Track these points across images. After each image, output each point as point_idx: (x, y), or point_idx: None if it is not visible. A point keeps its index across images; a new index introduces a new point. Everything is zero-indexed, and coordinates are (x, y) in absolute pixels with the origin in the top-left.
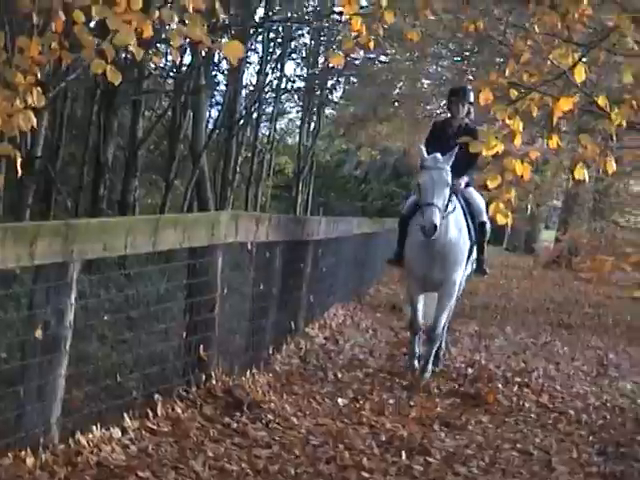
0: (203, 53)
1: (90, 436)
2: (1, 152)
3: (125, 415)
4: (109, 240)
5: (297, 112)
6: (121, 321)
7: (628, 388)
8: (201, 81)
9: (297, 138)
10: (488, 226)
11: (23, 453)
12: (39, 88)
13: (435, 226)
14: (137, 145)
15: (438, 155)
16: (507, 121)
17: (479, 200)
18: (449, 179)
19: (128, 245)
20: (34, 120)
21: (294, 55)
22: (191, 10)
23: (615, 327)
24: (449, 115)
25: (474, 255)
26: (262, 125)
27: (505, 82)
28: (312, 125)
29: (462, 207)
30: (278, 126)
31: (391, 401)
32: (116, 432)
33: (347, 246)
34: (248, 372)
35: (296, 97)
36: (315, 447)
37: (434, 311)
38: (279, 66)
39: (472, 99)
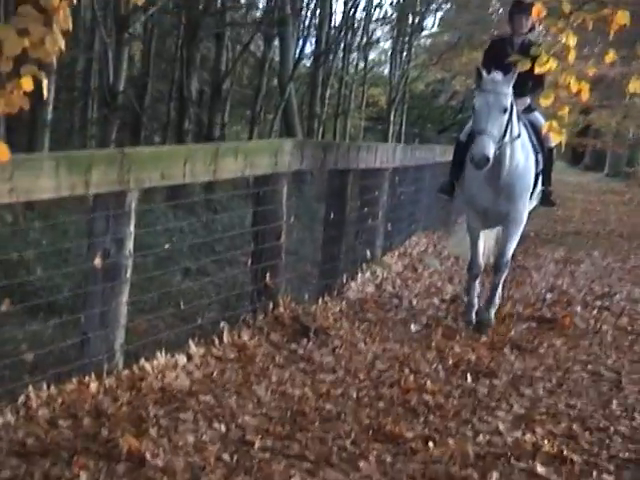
0: None
1: (155, 362)
2: (26, 72)
3: (190, 342)
4: (167, 168)
5: (388, 41)
6: (184, 250)
7: None
8: (287, 11)
9: (388, 68)
10: (555, 152)
11: (87, 379)
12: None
13: (487, 158)
14: (221, 78)
15: (498, 75)
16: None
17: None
18: (508, 103)
19: (187, 173)
20: (62, 44)
21: None
22: None
23: None
24: (510, 32)
25: (539, 186)
26: (352, 56)
27: None
28: (404, 54)
29: (527, 132)
30: (370, 57)
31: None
32: (181, 358)
33: (430, 174)
34: (320, 300)
35: (387, 27)
36: (380, 372)
37: (501, 242)
38: None
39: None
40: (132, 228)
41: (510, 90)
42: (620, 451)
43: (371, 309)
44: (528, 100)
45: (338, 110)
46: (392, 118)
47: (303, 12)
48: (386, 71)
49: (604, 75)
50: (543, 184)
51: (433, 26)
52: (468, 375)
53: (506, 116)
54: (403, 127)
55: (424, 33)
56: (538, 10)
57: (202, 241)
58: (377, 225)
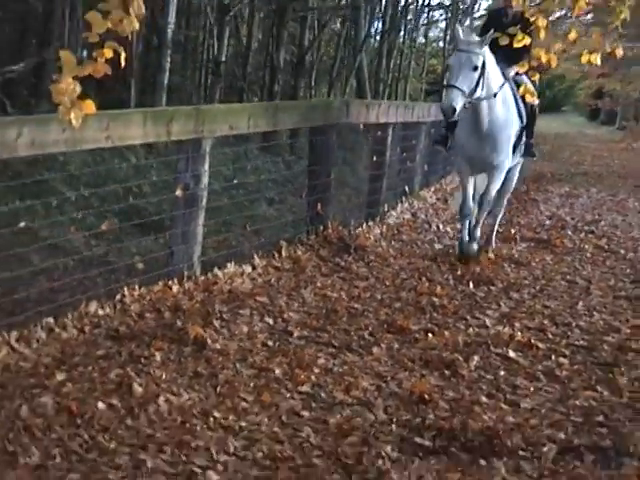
0: None
1: (225, 270)
2: (108, 46)
3: (255, 255)
4: (234, 121)
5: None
6: (253, 184)
7: None
8: (360, 1)
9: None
10: (537, 111)
11: (170, 282)
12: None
13: (454, 109)
14: (305, 51)
15: (473, 37)
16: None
17: (530, 84)
18: (479, 62)
19: (251, 125)
20: (136, 25)
21: None
22: None
23: None
24: (505, 3)
25: (524, 138)
26: (413, 32)
27: None
28: None
29: (512, 89)
30: (431, 34)
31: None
32: (247, 268)
33: None
34: (364, 224)
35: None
36: (403, 279)
37: (486, 184)
38: None
39: None
40: (207, 167)
41: (482, 50)
42: (577, 340)
43: (405, 232)
44: (516, 68)
45: (399, 76)
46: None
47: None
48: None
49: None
50: (527, 137)
51: (479, 10)
52: (471, 283)
53: (477, 73)
54: None
55: (475, 16)
56: None
57: (274, 178)
58: (415, 166)
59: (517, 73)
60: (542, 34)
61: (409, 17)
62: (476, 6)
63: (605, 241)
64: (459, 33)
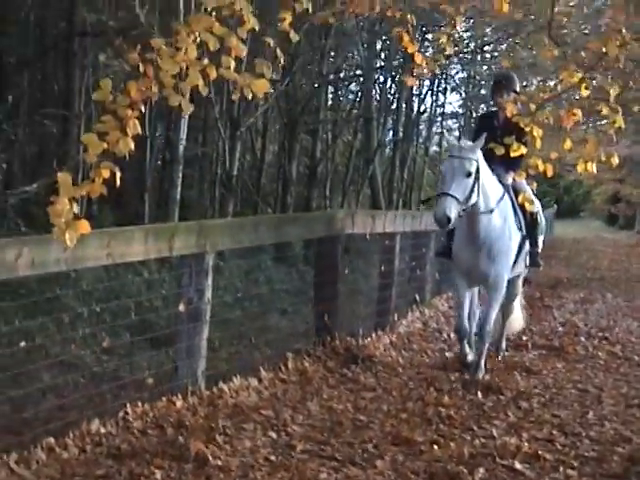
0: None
1: (231, 384)
2: (104, 168)
3: (261, 368)
4: (237, 235)
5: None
6: (253, 297)
7: None
8: (372, 112)
9: None
10: (541, 218)
11: (174, 397)
12: (137, 120)
13: (448, 218)
14: (317, 163)
15: (466, 142)
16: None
17: (529, 192)
18: (472, 168)
19: (254, 238)
20: (132, 145)
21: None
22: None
23: None
24: (496, 107)
25: (527, 248)
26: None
27: (524, 98)
28: None
29: (511, 199)
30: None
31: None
32: (253, 381)
33: None
34: (374, 334)
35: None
36: (411, 390)
37: (483, 309)
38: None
39: (517, 87)
40: (210, 281)
41: (476, 156)
42: (586, 451)
43: (416, 341)
44: (513, 174)
45: (413, 185)
46: None
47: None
48: None
49: (631, 154)
50: (530, 246)
51: None
52: (479, 392)
53: (471, 179)
54: None
55: None
56: (510, 110)
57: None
58: (425, 274)
59: (514, 180)
60: (538, 144)
61: (422, 126)
62: None
63: (619, 347)
64: (451, 138)
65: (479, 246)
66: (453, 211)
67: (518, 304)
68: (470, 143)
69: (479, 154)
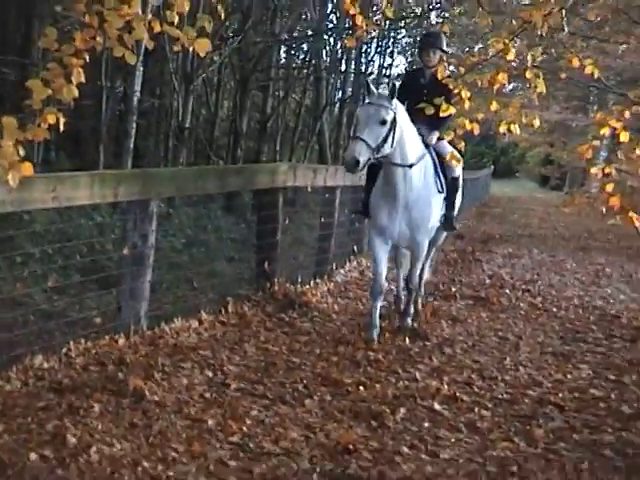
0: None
1: (172, 325)
2: (49, 114)
3: (202, 311)
4: (182, 184)
5: None
6: (201, 243)
7: (608, 292)
8: (321, 72)
9: None
10: (460, 182)
11: (117, 336)
12: (81, 69)
13: (357, 161)
14: (267, 118)
15: (382, 91)
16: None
17: (455, 152)
18: (387, 117)
19: (198, 187)
20: (75, 92)
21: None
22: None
23: (619, 248)
24: (422, 64)
25: (442, 210)
26: None
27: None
28: None
29: (433, 159)
30: None
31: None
32: (194, 323)
33: None
34: (312, 281)
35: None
36: (343, 334)
37: (408, 267)
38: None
39: (445, 45)
40: (154, 227)
41: (393, 106)
42: (501, 394)
43: (352, 289)
44: (437, 133)
45: None
46: None
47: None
48: None
49: (561, 120)
50: (447, 209)
51: None
52: (407, 338)
53: (385, 128)
54: None
55: None
56: (441, 71)
57: (234, 237)
58: (363, 227)
59: (439, 139)
60: (467, 104)
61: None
62: None
63: (540, 299)
64: (370, 86)
65: (397, 205)
66: (362, 155)
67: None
68: (386, 92)
69: (398, 105)
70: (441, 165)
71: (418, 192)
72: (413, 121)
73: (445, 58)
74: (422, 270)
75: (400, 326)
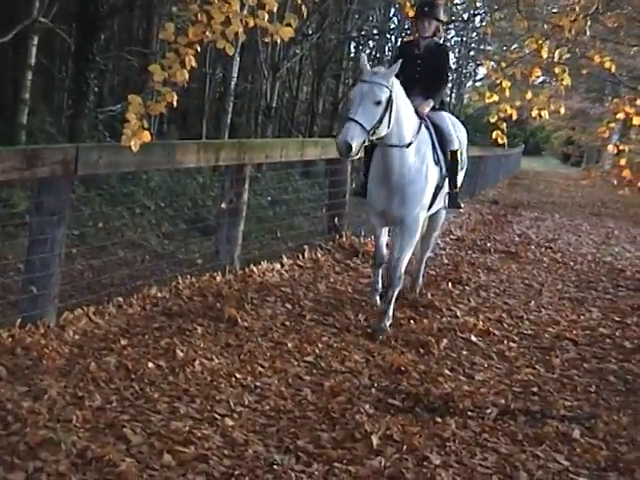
0: None
1: (259, 267)
2: (167, 93)
3: (284, 256)
4: (270, 152)
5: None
6: (283, 202)
7: (616, 250)
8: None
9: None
10: (463, 155)
11: (215, 274)
12: (193, 57)
13: (349, 145)
14: (338, 101)
15: (380, 68)
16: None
17: (450, 126)
18: (383, 97)
19: (282, 155)
20: (186, 76)
21: None
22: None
23: (626, 215)
24: (417, 35)
25: (446, 188)
26: None
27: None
28: (460, 91)
29: (430, 134)
30: None
31: (461, 253)
32: (277, 266)
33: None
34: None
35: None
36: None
37: (395, 251)
38: None
39: (442, 16)
40: (247, 187)
41: (389, 84)
42: (526, 330)
43: None
44: (432, 102)
45: None
46: None
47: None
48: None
49: (582, 108)
50: (450, 187)
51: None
52: (450, 283)
53: (380, 108)
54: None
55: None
56: (487, 66)
57: (309, 197)
58: None
59: (435, 108)
60: (507, 93)
61: None
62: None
63: (560, 255)
64: (364, 61)
65: (392, 187)
66: (356, 138)
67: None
68: (384, 69)
69: (394, 82)
70: (439, 138)
71: (413, 168)
72: (408, 93)
73: (441, 28)
74: (421, 261)
75: (375, 329)
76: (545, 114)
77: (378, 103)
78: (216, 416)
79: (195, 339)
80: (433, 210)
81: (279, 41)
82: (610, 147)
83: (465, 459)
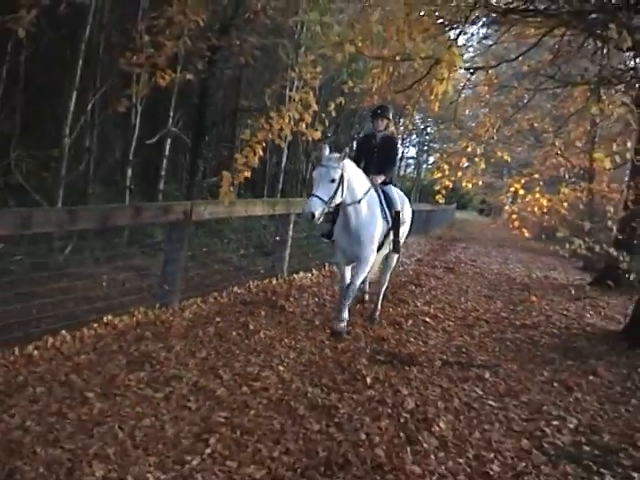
0: None
1: (298, 275)
2: (245, 171)
3: (313, 269)
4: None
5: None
6: (313, 236)
7: (511, 267)
8: None
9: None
10: (404, 215)
11: (272, 279)
12: (261, 150)
13: (313, 214)
14: None
15: (333, 154)
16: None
17: (396, 194)
18: (336, 176)
19: None
20: (256, 161)
21: None
22: None
23: (517, 246)
24: (373, 129)
25: (391, 237)
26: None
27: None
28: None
29: (379, 196)
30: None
31: (420, 268)
32: (309, 274)
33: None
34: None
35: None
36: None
37: (352, 276)
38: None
39: (390, 115)
40: (291, 227)
41: (340, 165)
42: (458, 314)
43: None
44: (383, 176)
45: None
46: (412, 195)
47: None
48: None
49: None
50: (394, 235)
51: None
52: (413, 286)
53: (335, 184)
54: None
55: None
56: (434, 156)
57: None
58: None
59: (384, 182)
60: (446, 172)
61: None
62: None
63: (478, 269)
64: (325, 150)
65: (350, 232)
66: (317, 209)
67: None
68: (336, 155)
69: (345, 163)
70: (387, 201)
71: (365, 219)
72: (366, 168)
73: (390, 124)
74: (382, 283)
75: (332, 327)
76: (469, 185)
77: (332, 181)
78: (273, 364)
79: (260, 318)
80: (383, 252)
81: (311, 139)
82: (507, 207)
83: (422, 391)
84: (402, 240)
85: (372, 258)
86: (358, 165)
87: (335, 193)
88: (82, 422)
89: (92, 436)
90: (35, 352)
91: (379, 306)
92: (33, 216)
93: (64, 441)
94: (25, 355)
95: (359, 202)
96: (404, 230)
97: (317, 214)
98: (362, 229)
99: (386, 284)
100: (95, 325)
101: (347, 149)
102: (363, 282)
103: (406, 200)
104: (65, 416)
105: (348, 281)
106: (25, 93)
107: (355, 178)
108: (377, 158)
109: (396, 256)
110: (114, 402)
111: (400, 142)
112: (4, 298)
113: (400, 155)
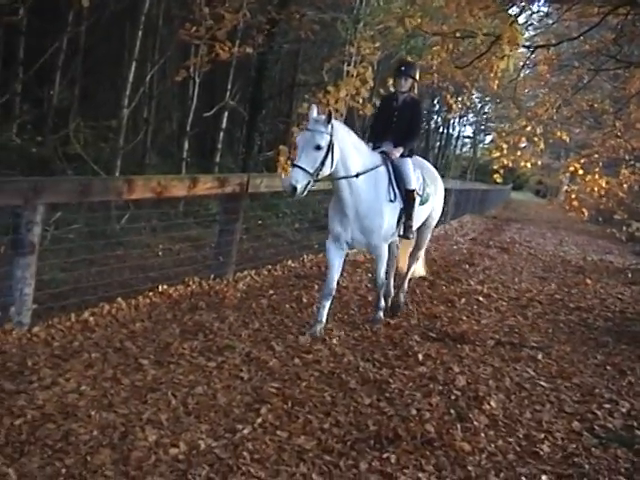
0: None
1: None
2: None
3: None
4: None
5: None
6: None
7: (565, 249)
8: (429, 131)
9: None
10: (431, 195)
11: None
12: None
13: (294, 187)
14: None
15: (320, 116)
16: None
17: (410, 170)
18: (322, 142)
19: None
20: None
21: None
22: None
23: (572, 228)
24: (395, 90)
25: (402, 219)
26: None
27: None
28: (477, 147)
29: (388, 172)
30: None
31: (474, 247)
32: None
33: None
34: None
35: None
36: (435, 269)
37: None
38: (462, 126)
39: (417, 75)
40: None
41: (328, 129)
42: (512, 294)
43: (446, 237)
44: (401, 149)
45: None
46: (468, 175)
47: (432, 133)
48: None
49: (549, 162)
50: (406, 219)
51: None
52: (467, 265)
53: (321, 152)
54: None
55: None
56: (493, 135)
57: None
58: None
59: (404, 155)
60: (504, 151)
61: (452, 142)
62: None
63: (533, 250)
64: (312, 112)
65: (347, 213)
66: (300, 181)
67: (394, 263)
68: (323, 117)
69: (335, 127)
70: (397, 178)
71: (368, 202)
72: (382, 136)
73: (416, 85)
74: (408, 268)
75: (372, 318)
76: (528, 165)
77: (318, 148)
78: (325, 338)
79: (313, 292)
80: (394, 238)
81: (362, 112)
82: (565, 188)
83: (473, 369)
84: (417, 224)
85: (384, 248)
86: (376, 133)
87: (322, 163)
88: (136, 388)
89: (145, 402)
90: (91, 318)
91: (405, 286)
92: (92, 184)
93: (118, 406)
94: (81, 321)
95: (356, 176)
96: (429, 212)
97: (299, 187)
98: (365, 210)
99: (410, 274)
100: (150, 294)
101: (331, 108)
102: (387, 277)
103: (436, 177)
104: (119, 382)
105: (337, 276)
106: (84, 64)
107: (349, 148)
108: (396, 124)
109: (428, 237)
110: (167, 370)
111: (457, 120)
112: (62, 265)
113: (457, 134)
